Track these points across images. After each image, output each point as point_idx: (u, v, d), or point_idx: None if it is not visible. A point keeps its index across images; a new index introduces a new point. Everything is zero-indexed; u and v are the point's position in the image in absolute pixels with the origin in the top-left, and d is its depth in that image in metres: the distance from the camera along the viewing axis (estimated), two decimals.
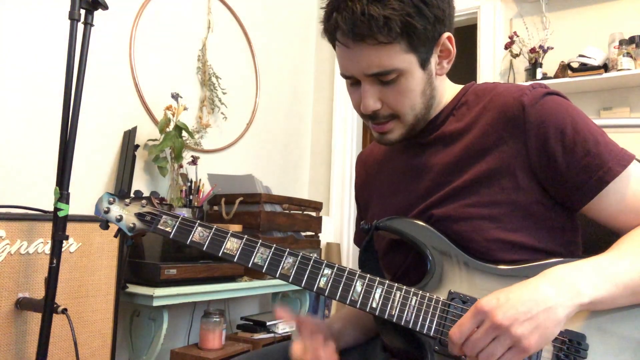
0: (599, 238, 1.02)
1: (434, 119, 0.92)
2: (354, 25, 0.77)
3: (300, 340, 0.88)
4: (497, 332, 0.67)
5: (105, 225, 0.94)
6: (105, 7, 1.29)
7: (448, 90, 0.93)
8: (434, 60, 0.85)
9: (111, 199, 0.93)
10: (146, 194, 2.17)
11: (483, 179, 0.83)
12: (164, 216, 0.90)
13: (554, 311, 0.68)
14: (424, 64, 0.83)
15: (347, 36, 0.80)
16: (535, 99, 0.82)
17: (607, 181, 0.78)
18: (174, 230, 0.89)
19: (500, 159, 0.83)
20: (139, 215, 0.91)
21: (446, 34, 0.85)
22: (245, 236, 0.87)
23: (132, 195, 0.94)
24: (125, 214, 0.92)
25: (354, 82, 0.87)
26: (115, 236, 0.95)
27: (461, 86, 0.95)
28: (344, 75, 0.88)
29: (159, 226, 0.89)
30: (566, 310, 0.69)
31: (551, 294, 0.68)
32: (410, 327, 0.80)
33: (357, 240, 1.13)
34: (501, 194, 0.83)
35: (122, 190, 0.94)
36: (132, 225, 0.91)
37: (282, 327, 2.33)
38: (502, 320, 0.66)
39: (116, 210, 0.92)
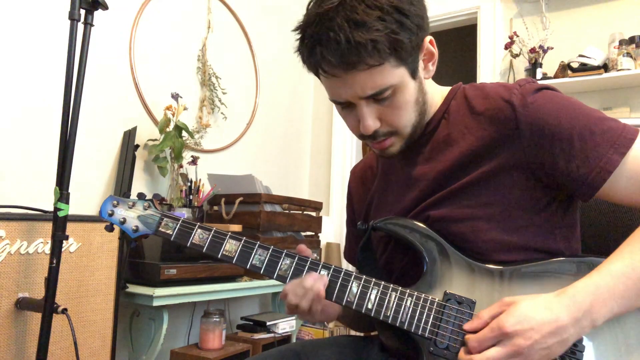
0: (600, 235, 1.03)
1: (426, 125, 0.91)
2: (342, 55, 0.76)
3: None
4: (516, 355, 0.69)
5: (110, 227, 0.95)
6: (105, 7, 1.29)
7: (436, 94, 0.93)
8: (420, 66, 0.85)
9: (115, 202, 0.94)
10: (146, 194, 2.17)
11: (480, 180, 0.83)
12: (165, 219, 0.91)
13: (567, 342, 0.71)
14: (413, 73, 0.83)
15: (336, 67, 0.78)
16: (524, 98, 0.81)
17: (610, 171, 0.77)
18: (175, 232, 0.90)
19: (497, 161, 0.83)
20: (141, 218, 0.92)
21: (427, 38, 0.84)
22: (244, 238, 0.88)
23: (135, 197, 0.95)
24: (129, 217, 0.93)
25: (346, 106, 0.86)
26: (120, 238, 0.96)
27: (448, 88, 0.94)
28: (335, 101, 0.86)
29: (160, 229, 0.91)
30: (576, 338, 0.72)
31: (570, 330, 0.70)
32: (405, 328, 0.80)
33: (349, 255, 1.12)
34: (498, 195, 0.83)
35: (125, 193, 0.95)
36: (135, 227, 0.92)
37: (282, 327, 2.33)
38: (523, 348, 0.69)
39: (120, 212, 0.93)
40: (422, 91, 0.86)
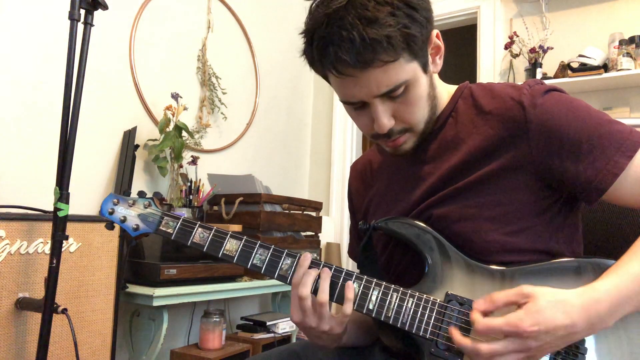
0: (605, 237, 1.03)
1: (433, 123, 0.90)
2: (358, 53, 0.74)
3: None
4: (522, 353, 0.70)
5: (110, 225, 0.95)
6: (105, 7, 1.29)
7: (443, 91, 0.93)
8: (429, 60, 0.85)
9: (115, 200, 0.94)
10: (146, 194, 2.17)
11: (485, 180, 0.83)
12: (165, 217, 0.91)
13: (572, 341, 0.72)
14: (425, 67, 0.83)
15: (351, 66, 0.76)
16: (534, 98, 0.81)
17: (616, 174, 0.77)
18: (175, 231, 0.89)
19: (503, 161, 0.82)
20: (142, 217, 0.92)
21: (434, 32, 0.84)
22: (245, 237, 0.87)
23: (135, 195, 0.95)
24: (129, 215, 0.92)
25: (358, 107, 0.84)
26: (121, 236, 0.96)
27: (455, 87, 0.94)
28: (346, 102, 0.84)
29: (160, 227, 0.90)
30: (583, 337, 0.73)
31: (581, 334, 0.71)
32: (406, 329, 0.80)
33: (352, 253, 1.11)
34: (503, 195, 0.82)
35: (126, 191, 0.95)
36: (135, 226, 0.92)
37: (282, 327, 2.33)
38: (532, 348, 0.69)
39: (120, 211, 0.93)
40: (432, 85, 0.86)
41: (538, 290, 0.71)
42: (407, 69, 0.79)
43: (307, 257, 0.84)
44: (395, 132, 0.85)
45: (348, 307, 0.81)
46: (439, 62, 0.88)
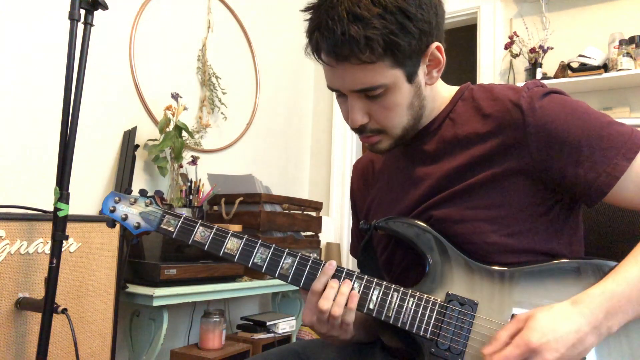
0: (604, 238, 1.03)
1: (429, 124, 0.90)
2: (335, 46, 0.76)
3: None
4: None
5: (112, 223, 0.95)
6: (105, 7, 1.29)
7: (442, 94, 0.92)
8: (422, 71, 0.83)
9: (117, 198, 0.94)
10: (148, 192, 2.17)
11: (485, 183, 0.83)
12: (166, 216, 0.91)
13: (586, 351, 0.71)
14: (410, 77, 0.81)
15: (329, 56, 0.78)
16: (533, 101, 0.80)
17: (617, 177, 0.77)
18: (177, 230, 0.89)
19: (504, 165, 0.82)
20: (143, 215, 0.92)
21: (435, 44, 0.82)
22: (246, 236, 0.87)
23: (137, 194, 0.95)
24: (130, 213, 0.92)
25: (340, 95, 0.86)
26: (122, 235, 0.96)
27: (456, 88, 0.93)
28: (330, 88, 0.86)
29: (162, 226, 0.90)
30: (595, 345, 0.72)
31: (591, 339, 0.70)
32: (406, 329, 0.80)
33: (354, 251, 1.11)
34: (503, 197, 0.82)
35: (128, 189, 0.95)
36: (136, 224, 0.92)
37: (282, 327, 2.33)
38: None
39: (121, 209, 0.93)
40: (419, 96, 0.85)
41: (532, 310, 0.73)
42: (387, 74, 0.79)
43: (332, 265, 0.83)
44: (368, 130, 0.86)
45: (349, 317, 0.81)
46: (436, 75, 0.86)
